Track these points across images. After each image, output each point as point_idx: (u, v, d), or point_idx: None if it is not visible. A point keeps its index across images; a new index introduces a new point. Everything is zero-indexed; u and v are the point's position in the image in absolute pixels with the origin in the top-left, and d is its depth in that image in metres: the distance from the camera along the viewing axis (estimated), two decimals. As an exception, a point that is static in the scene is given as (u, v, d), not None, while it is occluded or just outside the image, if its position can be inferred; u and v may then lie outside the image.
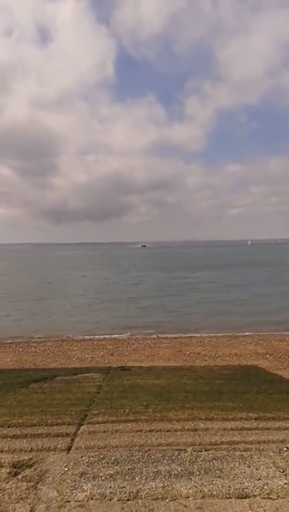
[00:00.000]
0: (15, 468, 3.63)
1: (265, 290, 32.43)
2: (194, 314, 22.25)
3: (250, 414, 5.10)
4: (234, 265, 65.44)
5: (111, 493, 3.16)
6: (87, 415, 5.05)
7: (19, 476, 3.48)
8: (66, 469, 3.56)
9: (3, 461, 3.75)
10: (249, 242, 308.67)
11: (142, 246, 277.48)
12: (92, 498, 3.09)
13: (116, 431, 4.51)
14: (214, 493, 3.16)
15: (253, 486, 3.24)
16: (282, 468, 3.55)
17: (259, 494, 3.14)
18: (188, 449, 3.96)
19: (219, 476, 3.41)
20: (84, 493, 3.16)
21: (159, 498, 3.08)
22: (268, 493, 3.14)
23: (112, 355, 12.37)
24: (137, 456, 3.80)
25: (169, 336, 16.26)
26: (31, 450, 4.02)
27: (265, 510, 2.94)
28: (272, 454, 3.86)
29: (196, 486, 3.24)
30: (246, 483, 3.29)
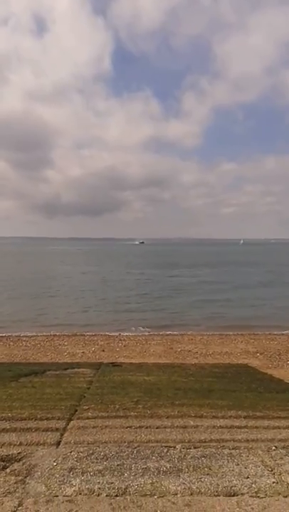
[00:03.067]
0: (3, 461, 3.61)
1: (257, 290, 32.59)
2: (186, 312, 22.31)
3: (239, 412, 5.12)
4: (227, 264, 65.71)
5: (99, 488, 3.15)
6: (77, 410, 5.03)
7: (7, 470, 3.46)
8: (55, 464, 3.55)
9: (-9, 454, 3.73)
10: (241, 242, 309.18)
11: (141, 243, 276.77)
12: (80, 494, 3.08)
13: (106, 426, 4.50)
14: (202, 490, 3.16)
15: (241, 484, 3.25)
16: (270, 467, 3.57)
17: (247, 492, 3.15)
18: (177, 446, 3.96)
19: (208, 474, 3.42)
20: (72, 488, 3.15)
21: (147, 495, 3.08)
22: (255, 492, 3.16)
23: (103, 350, 12.38)
24: (126, 453, 3.80)
25: (160, 332, 16.30)
26: (20, 444, 4.00)
27: (252, 508, 2.95)
28: (260, 452, 3.88)
29: (184, 483, 3.25)
30: (234, 481, 3.30)
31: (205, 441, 4.14)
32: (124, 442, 4.07)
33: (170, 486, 3.20)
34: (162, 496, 3.07)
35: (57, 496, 3.05)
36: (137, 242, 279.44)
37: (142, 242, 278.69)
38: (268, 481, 3.32)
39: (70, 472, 3.41)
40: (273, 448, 4.00)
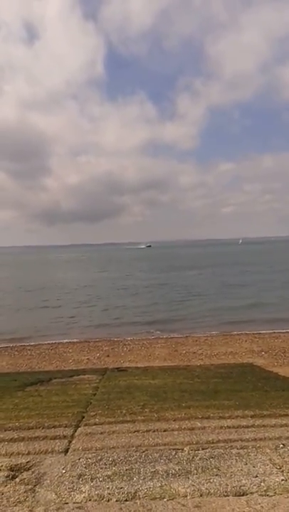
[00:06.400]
0: (12, 471, 3.62)
1: (259, 289, 32.54)
2: (191, 313, 22.28)
3: (246, 412, 5.13)
4: (229, 265, 65.88)
5: (109, 494, 3.16)
6: (84, 417, 5.04)
7: (17, 480, 3.47)
8: (64, 471, 3.56)
9: (0, 464, 3.74)
10: (240, 241, 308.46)
11: (148, 246, 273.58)
12: (90, 500, 3.09)
13: (113, 432, 4.51)
14: (212, 491, 3.17)
15: (250, 484, 3.26)
16: (278, 465, 3.57)
17: (256, 491, 3.15)
18: (185, 448, 3.97)
19: (216, 474, 3.42)
20: (82, 495, 3.15)
21: (157, 498, 3.09)
22: (265, 490, 3.16)
23: (108, 356, 12.38)
24: (135, 457, 3.80)
25: (165, 335, 16.29)
26: (29, 453, 4.01)
27: (262, 507, 2.96)
28: (268, 451, 3.89)
29: (193, 485, 3.26)
30: (243, 481, 3.30)
31: (213, 442, 4.15)
32: (132, 447, 4.08)
33: (179, 489, 3.21)
34: (172, 499, 3.08)
35: (67, 503, 3.05)
36: (143, 246, 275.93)
37: (149, 246, 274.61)
38: (277, 479, 3.32)
39: (79, 479, 3.42)
40: (281, 446, 4.00)
